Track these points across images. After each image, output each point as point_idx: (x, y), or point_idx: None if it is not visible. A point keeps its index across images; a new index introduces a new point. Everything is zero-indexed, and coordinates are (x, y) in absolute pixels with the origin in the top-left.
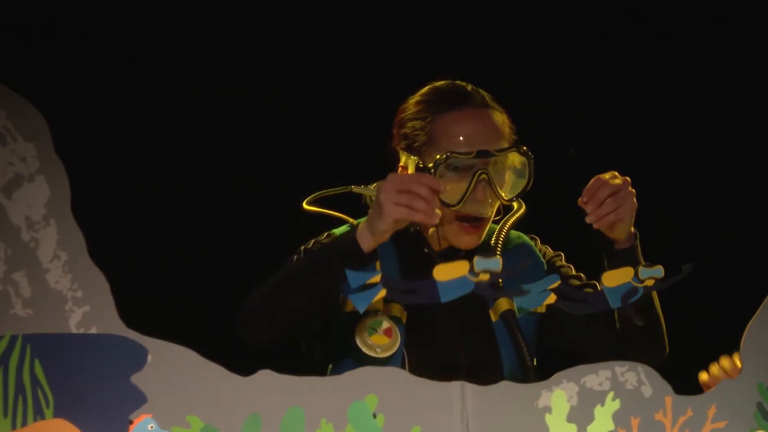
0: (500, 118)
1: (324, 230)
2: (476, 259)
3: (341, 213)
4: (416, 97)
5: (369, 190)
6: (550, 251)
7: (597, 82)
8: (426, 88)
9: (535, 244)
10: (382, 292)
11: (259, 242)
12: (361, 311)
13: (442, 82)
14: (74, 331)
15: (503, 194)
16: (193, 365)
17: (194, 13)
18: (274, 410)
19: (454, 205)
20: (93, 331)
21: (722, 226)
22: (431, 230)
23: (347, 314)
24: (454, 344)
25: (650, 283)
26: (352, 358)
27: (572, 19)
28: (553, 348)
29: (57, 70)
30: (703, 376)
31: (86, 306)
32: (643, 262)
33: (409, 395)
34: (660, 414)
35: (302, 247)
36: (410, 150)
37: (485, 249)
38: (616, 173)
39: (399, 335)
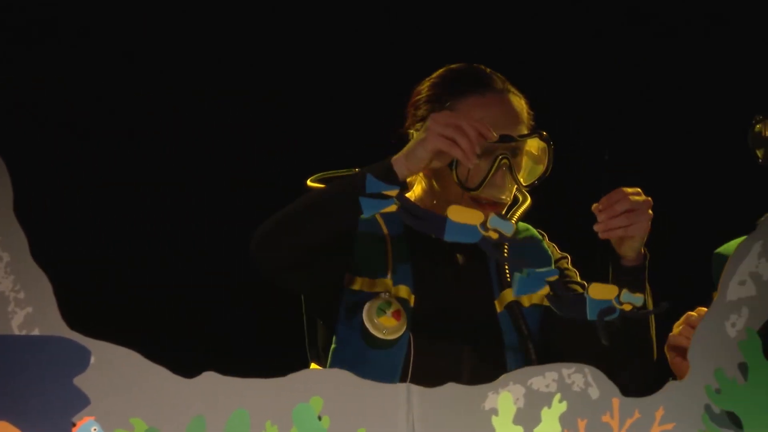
0: (519, 103)
1: None
2: (491, 215)
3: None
4: (433, 79)
5: None
6: (557, 252)
7: (599, 79)
8: (442, 70)
9: (543, 240)
10: (393, 207)
11: (208, 241)
12: (366, 216)
13: (459, 65)
14: (16, 332)
15: (522, 180)
16: (137, 367)
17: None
18: (218, 412)
19: (474, 189)
20: (35, 332)
21: (726, 228)
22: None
23: (354, 293)
24: (458, 332)
25: (627, 307)
26: (356, 338)
27: (575, 16)
28: (547, 345)
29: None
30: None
31: (29, 307)
32: (646, 285)
33: (354, 397)
34: (607, 416)
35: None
36: None
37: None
38: (640, 190)
39: (407, 320)
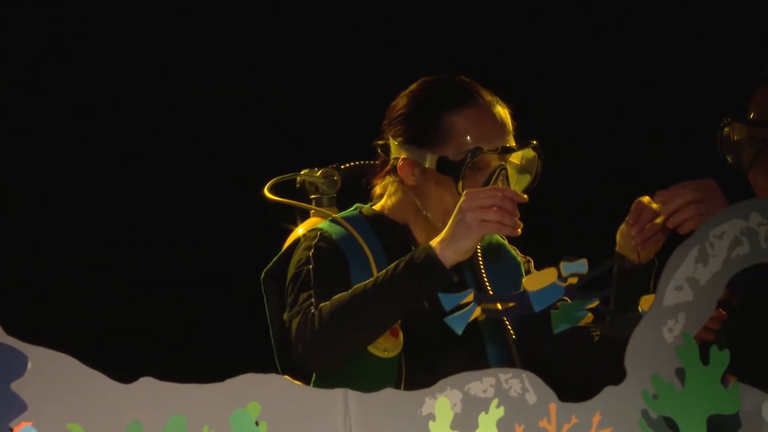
0: (506, 113)
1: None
2: (562, 264)
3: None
4: (412, 94)
5: (315, 177)
6: (520, 255)
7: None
8: (418, 83)
9: (505, 244)
10: (478, 311)
11: (143, 243)
12: (459, 333)
13: (441, 77)
14: None
15: (516, 190)
16: (74, 372)
17: None
18: (155, 418)
19: None
20: None
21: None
22: (419, 227)
23: None
24: (446, 346)
25: (574, 280)
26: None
27: (565, 19)
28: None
29: None
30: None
31: None
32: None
33: (291, 402)
34: (544, 421)
35: (308, 254)
36: (417, 145)
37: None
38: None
39: (402, 336)
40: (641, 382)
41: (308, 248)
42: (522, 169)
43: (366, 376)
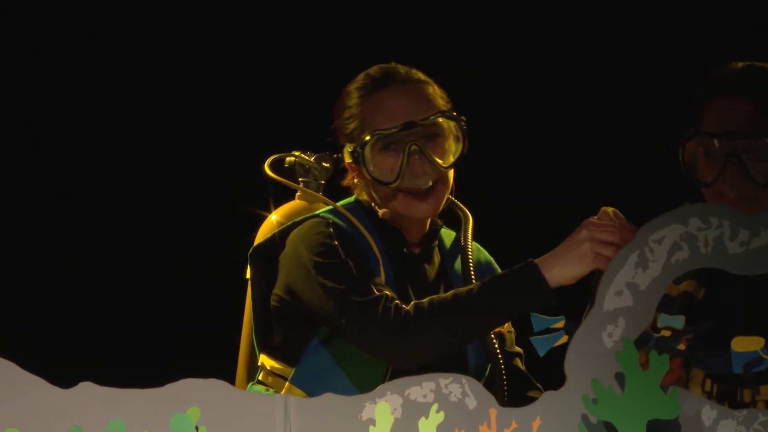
0: (429, 89)
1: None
2: (660, 315)
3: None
4: (349, 86)
5: (308, 159)
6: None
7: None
8: (360, 75)
9: (492, 263)
10: (564, 338)
11: (85, 244)
12: (541, 355)
13: (374, 67)
14: None
15: (440, 162)
16: (14, 377)
17: None
18: (95, 423)
19: (392, 182)
20: None
21: None
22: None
23: None
24: None
25: (667, 334)
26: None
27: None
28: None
29: None
30: None
31: None
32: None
33: (231, 407)
34: (485, 426)
35: (331, 243)
36: (347, 139)
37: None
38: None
39: None
40: (581, 387)
41: (328, 236)
42: (456, 139)
43: (359, 362)
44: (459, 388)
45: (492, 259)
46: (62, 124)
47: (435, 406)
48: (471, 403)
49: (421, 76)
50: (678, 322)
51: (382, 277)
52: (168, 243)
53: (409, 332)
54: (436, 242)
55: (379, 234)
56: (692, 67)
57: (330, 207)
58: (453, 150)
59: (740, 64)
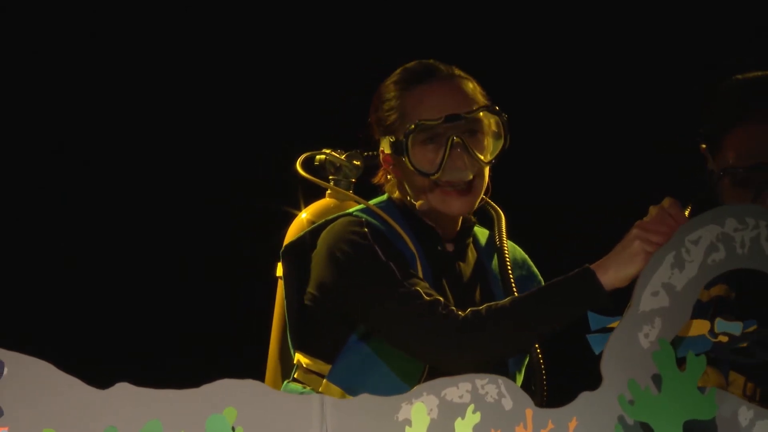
0: (470, 85)
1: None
2: (717, 320)
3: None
4: (386, 81)
5: (338, 157)
6: (539, 276)
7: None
8: (397, 71)
9: (531, 265)
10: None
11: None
12: (597, 353)
13: (411, 63)
14: None
15: (481, 157)
16: (50, 378)
17: None
18: (131, 423)
19: (433, 174)
20: None
21: None
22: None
23: None
24: None
25: (724, 339)
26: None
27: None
28: None
29: None
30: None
31: None
32: None
33: (268, 408)
34: (521, 427)
35: (369, 244)
36: (386, 132)
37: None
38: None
39: None
40: (617, 388)
41: (363, 236)
42: (496, 136)
43: (399, 357)
44: (495, 388)
45: (527, 256)
46: (62, 124)
47: (471, 407)
48: (507, 403)
49: (461, 72)
50: (736, 327)
51: (421, 276)
52: (168, 243)
53: (468, 338)
54: (470, 240)
55: (414, 232)
56: (691, 68)
57: (362, 206)
58: (493, 146)
59: (752, 80)
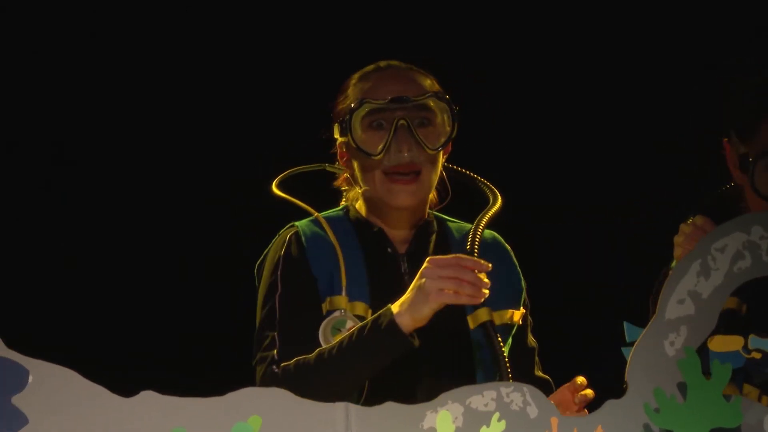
0: (426, 80)
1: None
2: (751, 337)
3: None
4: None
5: (340, 168)
6: (522, 280)
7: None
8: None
9: (512, 257)
10: None
11: (145, 257)
12: None
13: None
14: None
15: (428, 144)
16: (75, 386)
17: None
18: (156, 431)
19: (377, 154)
20: None
21: None
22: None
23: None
24: (424, 347)
25: (758, 356)
26: None
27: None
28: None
29: None
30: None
31: None
32: None
33: (292, 416)
34: None
35: (278, 272)
36: (337, 118)
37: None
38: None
39: None
40: (643, 396)
41: (276, 262)
42: (446, 125)
43: None
44: (520, 396)
45: (510, 250)
46: (63, 124)
47: (496, 415)
48: (532, 411)
49: (422, 70)
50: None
51: (343, 292)
52: (168, 243)
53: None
54: (432, 237)
55: (361, 238)
56: (691, 68)
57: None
58: (442, 136)
59: None
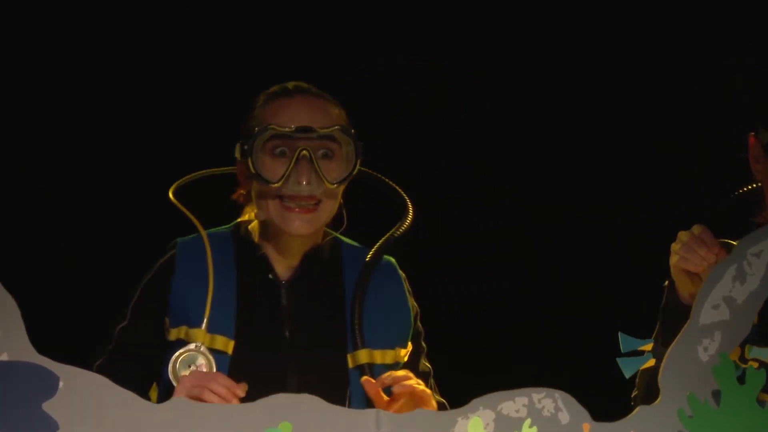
0: (334, 110)
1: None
2: (748, 347)
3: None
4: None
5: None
6: (415, 305)
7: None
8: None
9: (404, 283)
10: (651, 361)
11: None
12: (627, 377)
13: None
14: None
15: (327, 178)
16: (106, 392)
17: None
18: None
19: (276, 182)
20: (3, 357)
21: None
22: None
23: (172, 343)
24: (286, 383)
25: (755, 365)
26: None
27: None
28: None
29: None
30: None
31: None
32: None
33: (323, 422)
34: None
35: (146, 279)
36: (240, 137)
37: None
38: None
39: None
40: (676, 401)
41: (140, 288)
42: (349, 159)
43: None
44: (552, 402)
45: (404, 278)
46: (62, 124)
47: (528, 421)
48: (564, 417)
49: (331, 98)
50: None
51: (203, 326)
52: (81, 242)
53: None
54: (320, 266)
55: (241, 261)
56: (691, 68)
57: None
58: (344, 170)
59: None
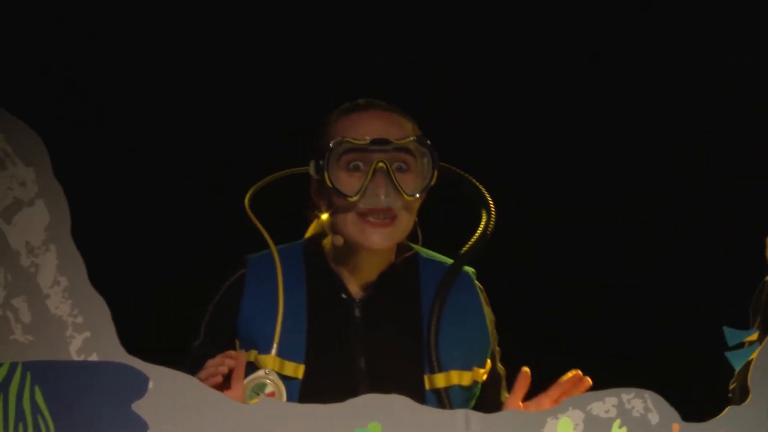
0: (408, 123)
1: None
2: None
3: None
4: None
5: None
6: (491, 314)
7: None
8: None
9: (481, 294)
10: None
11: None
12: (737, 368)
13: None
14: (75, 357)
15: (405, 190)
16: (195, 393)
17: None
18: None
19: (353, 196)
20: (93, 357)
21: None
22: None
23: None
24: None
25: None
26: None
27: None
28: None
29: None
30: None
31: (87, 332)
32: None
33: (412, 423)
34: None
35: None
36: (314, 154)
37: None
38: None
39: (284, 399)
40: (766, 401)
41: (213, 306)
42: (425, 171)
43: None
44: (641, 402)
45: (481, 290)
46: (63, 124)
47: (617, 422)
48: (653, 418)
49: (402, 111)
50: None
51: (272, 351)
52: (168, 243)
53: None
54: (396, 284)
55: (314, 278)
56: (691, 68)
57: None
58: (421, 182)
59: None
